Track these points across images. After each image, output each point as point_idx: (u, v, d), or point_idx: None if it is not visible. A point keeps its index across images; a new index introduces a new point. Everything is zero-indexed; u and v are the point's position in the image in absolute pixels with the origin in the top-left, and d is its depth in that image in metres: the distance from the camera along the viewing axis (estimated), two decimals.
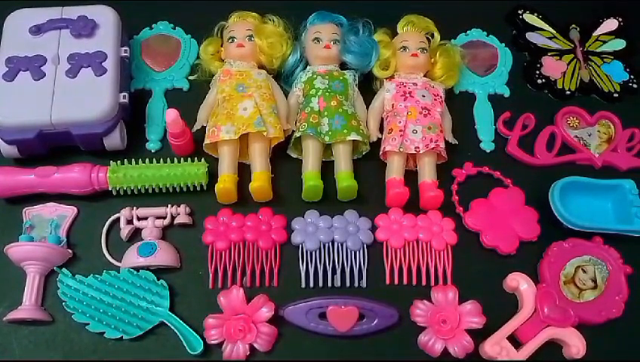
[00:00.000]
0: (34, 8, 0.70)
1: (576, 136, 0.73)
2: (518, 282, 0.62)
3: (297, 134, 0.67)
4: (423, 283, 0.64)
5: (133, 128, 0.70)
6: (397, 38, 0.74)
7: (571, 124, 0.74)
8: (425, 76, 0.72)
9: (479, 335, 0.60)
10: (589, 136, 0.73)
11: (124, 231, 0.64)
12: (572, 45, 0.79)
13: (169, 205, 0.65)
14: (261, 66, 0.72)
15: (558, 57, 0.78)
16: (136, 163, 0.66)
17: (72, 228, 0.66)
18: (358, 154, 0.69)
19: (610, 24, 0.82)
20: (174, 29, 0.78)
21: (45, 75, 0.65)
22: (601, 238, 0.65)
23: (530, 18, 0.81)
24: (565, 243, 0.64)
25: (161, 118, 0.72)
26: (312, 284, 0.63)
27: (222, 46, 0.73)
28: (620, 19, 0.82)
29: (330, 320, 0.60)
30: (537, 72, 0.77)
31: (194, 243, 0.65)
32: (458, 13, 0.81)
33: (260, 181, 0.64)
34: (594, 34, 0.81)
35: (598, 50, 0.80)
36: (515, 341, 0.61)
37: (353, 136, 0.66)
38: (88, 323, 0.60)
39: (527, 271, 0.63)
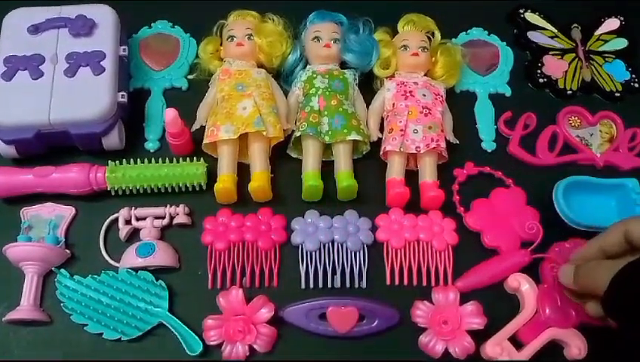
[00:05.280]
0: (32, 7, 0.69)
1: (578, 136, 0.72)
2: (520, 283, 0.62)
3: (297, 134, 0.66)
4: (424, 283, 0.63)
5: (131, 128, 0.70)
6: (397, 37, 0.73)
7: (573, 124, 0.73)
8: (425, 75, 0.72)
9: (480, 336, 0.60)
10: (591, 135, 0.73)
11: (123, 231, 0.64)
12: (573, 44, 0.79)
13: (168, 205, 0.65)
14: (261, 65, 0.71)
15: (560, 56, 0.78)
16: (135, 163, 0.65)
17: (70, 228, 0.65)
18: (358, 154, 0.69)
19: (612, 23, 0.81)
20: (173, 27, 0.78)
21: (43, 74, 0.65)
22: None
23: (532, 17, 0.80)
24: (567, 244, 0.64)
25: (159, 118, 0.71)
26: (311, 285, 0.63)
27: (221, 45, 0.73)
28: (622, 19, 0.81)
29: (330, 321, 0.60)
30: (539, 71, 0.76)
31: (193, 243, 0.64)
32: (459, 12, 0.80)
33: (259, 181, 0.64)
34: (595, 33, 0.80)
35: (600, 49, 0.79)
36: (517, 342, 0.60)
37: (353, 136, 0.65)
38: (87, 324, 0.59)
39: (528, 271, 0.63)
